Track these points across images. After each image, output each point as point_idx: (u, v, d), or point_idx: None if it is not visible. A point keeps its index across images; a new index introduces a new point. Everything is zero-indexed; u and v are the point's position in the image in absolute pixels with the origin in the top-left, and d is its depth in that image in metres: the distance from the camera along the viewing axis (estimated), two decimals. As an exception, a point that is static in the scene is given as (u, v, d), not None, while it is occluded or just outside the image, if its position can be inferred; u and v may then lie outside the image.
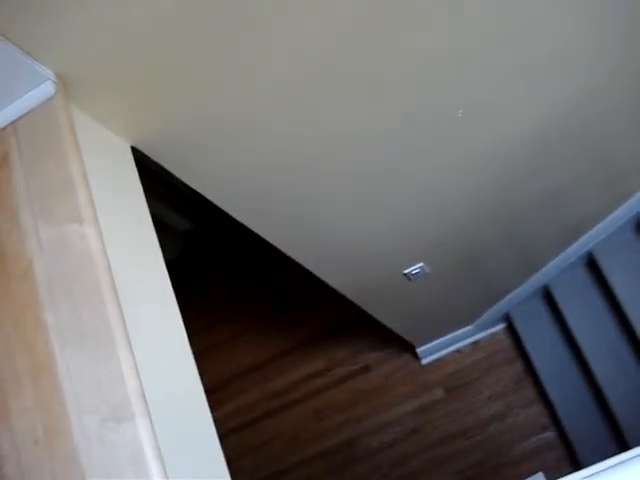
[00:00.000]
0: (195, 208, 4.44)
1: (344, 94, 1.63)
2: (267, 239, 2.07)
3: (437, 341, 3.83)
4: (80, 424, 1.08)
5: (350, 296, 2.73)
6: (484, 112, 1.98)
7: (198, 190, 1.74)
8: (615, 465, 1.02)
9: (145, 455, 1.03)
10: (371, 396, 4.01)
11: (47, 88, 1.27)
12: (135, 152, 1.51)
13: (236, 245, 4.40)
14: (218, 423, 1.29)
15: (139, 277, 1.27)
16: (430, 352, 3.90)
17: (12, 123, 1.30)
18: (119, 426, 1.05)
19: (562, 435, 3.61)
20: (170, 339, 1.29)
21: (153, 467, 1.02)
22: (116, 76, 1.34)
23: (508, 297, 3.52)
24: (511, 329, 3.79)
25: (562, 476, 1.12)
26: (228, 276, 4.48)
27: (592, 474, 0.90)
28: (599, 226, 3.14)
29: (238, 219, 1.92)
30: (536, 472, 3.51)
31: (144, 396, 1.06)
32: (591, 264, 3.34)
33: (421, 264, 2.64)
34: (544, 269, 3.33)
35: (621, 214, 3.10)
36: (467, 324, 3.75)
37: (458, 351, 3.91)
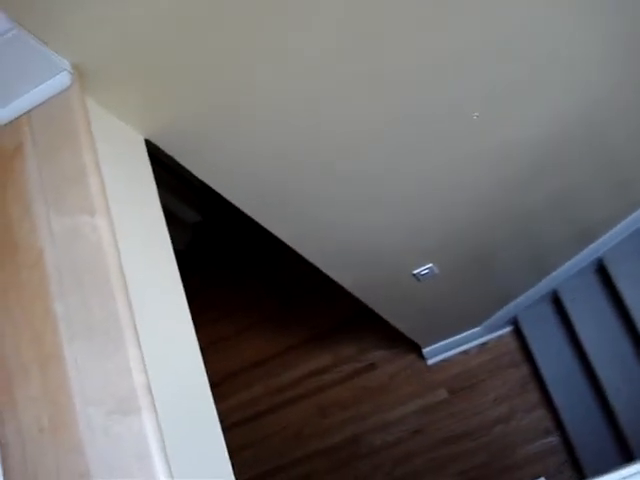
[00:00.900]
0: (205, 201, 4.44)
1: (359, 93, 1.63)
2: (276, 235, 2.07)
3: (443, 342, 3.83)
4: (86, 415, 1.08)
5: (358, 294, 2.73)
6: (498, 113, 1.97)
7: (209, 184, 1.74)
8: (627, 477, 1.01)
9: (150, 449, 1.03)
10: (376, 394, 4.01)
11: (63, 79, 1.27)
12: (147, 143, 1.51)
13: (244, 239, 4.40)
14: (221, 416, 1.30)
15: (149, 271, 1.27)
16: (436, 353, 3.89)
17: (27, 113, 1.30)
18: (125, 419, 1.05)
19: (565, 440, 3.60)
20: (178, 334, 1.29)
21: (157, 461, 1.02)
22: (132, 68, 1.34)
23: (516, 300, 3.51)
24: (518, 332, 3.78)
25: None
26: (235, 270, 4.48)
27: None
28: (610, 233, 3.12)
29: (248, 213, 1.92)
30: (539, 476, 3.52)
31: (151, 390, 1.07)
32: (601, 270, 3.32)
33: (430, 265, 2.63)
34: (554, 273, 3.32)
35: (633, 222, 3.09)
36: (474, 326, 3.75)
37: (464, 352, 3.90)
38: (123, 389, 1.06)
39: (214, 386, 1.32)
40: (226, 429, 1.28)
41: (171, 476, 1.02)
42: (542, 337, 3.64)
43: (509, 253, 2.93)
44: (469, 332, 3.78)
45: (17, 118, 1.30)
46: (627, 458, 3.15)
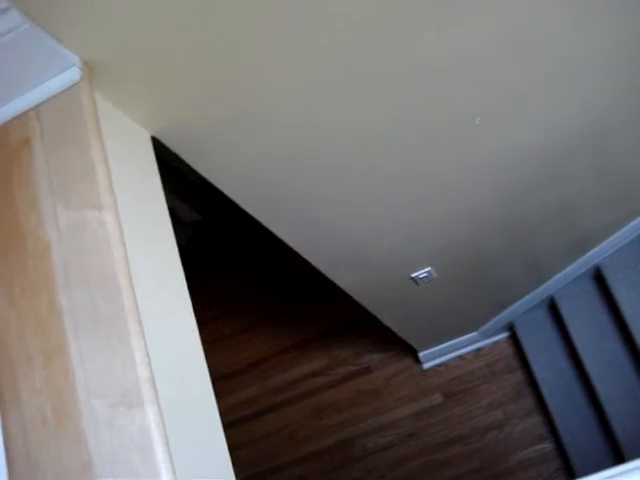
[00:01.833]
0: (205, 200, 4.45)
1: (363, 94, 1.64)
2: (277, 234, 2.08)
3: (439, 346, 3.84)
4: (89, 407, 1.09)
5: (356, 296, 2.74)
6: (501, 120, 1.98)
7: (213, 183, 1.75)
8: (612, 477, 1.02)
9: (152, 441, 1.04)
10: (371, 398, 4.02)
11: (72, 74, 1.28)
12: (153, 140, 1.52)
13: (243, 239, 4.41)
14: (217, 415, 1.31)
15: (154, 266, 1.28)
16: (432, 357, 3.90)
17: (35, 107, 1.31)
18: (128, 412, 1.06)
19: (559, 447, 3.61)
20: (181, 329, 1.30)
21: (160, 454, 1.03)
22: (141, 65, 1.35)
23: (513, 306, 3.52)
24: (514, 338, 3.79)
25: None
26: (234, 270, 4.49)
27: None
28: (608, 241, 3.14)
29: (250, 213, 1.93)
30: (532, 482, 3.53)
31: (154, 384, 1.08)
32: (598, 278, 3.34)
33: (429, 268, 2.64)
34: (551, 280, 3.33)
35: (631, 230, 3.10)
36: (471, 331, 3.76)
37: (460, 357, 3.91)
38: (127, 382, 1.07)
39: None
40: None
41: (173, 469, 1.03)
42: (538, 344, 3.65)
43: (507, 259, 2.94)
44: (465, 337, 3.79)
45: (26, 112, 1.31)
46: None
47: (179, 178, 4.05)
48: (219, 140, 1.62)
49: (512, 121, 2.02)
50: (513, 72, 1.79)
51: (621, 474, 1.02)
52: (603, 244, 3.16)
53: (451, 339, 3.80)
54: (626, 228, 3.09)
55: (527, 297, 3.45)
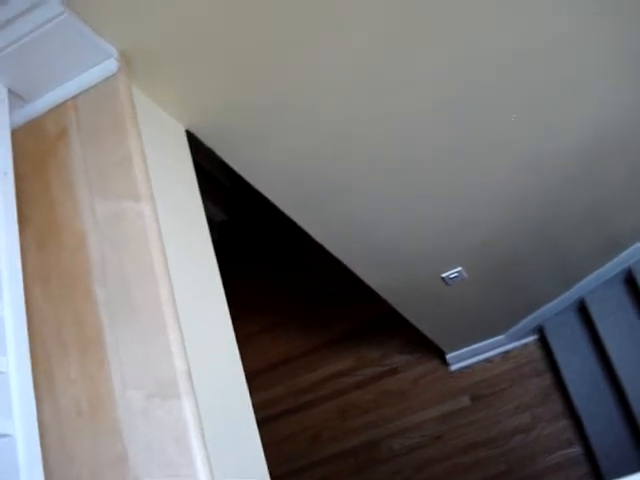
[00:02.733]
0: (232, 200, 4.45)
1: (400, 93, 1.63)
2: (307, 231, 2.07)
3: (467, 348, 3.81)
4: (125, 398, 1.09)
5: (385, 295, 2.72)
6: (537, 119, 1.96)
7: (246, 177, 1.75)
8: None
9: (189, 433, 1.03)
10: (397, 399, 3.99)
11: (110, 65, 1.28)
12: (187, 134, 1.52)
13: (270, 239, 4.41)
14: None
15: (190, 257, 1.27)
16: (459, 359, 3.87)
17: (73, 98, 1.31)
18: (164, 403, 1.05)
19: (588, 451, 3.56)
20: (216, 322, 1.29)
21: (195, 445, 1.03)
22: (178, 58, 1.35)
23: (543, 309, 3.48)
24: (543, 341, 3.75)
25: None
26: (260, 269, 4.49)
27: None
28: (640, 243, 3.10)
29: (283, 210, 1.92)
30: (561, 486, 3.49)
31: (191, 375, 1.07)
32: (629, 281, 3.29)
33: (459, 269, 2.62)
34: (581, 283, 3.29)
35: (665, 232, 3.07)
36: (499, 333, 3.72)
37: (488, 360, 3.88)
38: (164, 373, 1.06)
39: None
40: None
41: (209, 461, 1.02)
42: (567, 347, 3.60)
43: (538, 260, 2.91)
44: (493, 339, 3.76)
45: (63, 102, 1.31)
46: (651, 471, 3.11)
47: (207, 178, 4.05)
48: (255, 136, 1.61)
49: (549, 121, 2.00)
50: (547, 71, 1.78)
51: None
52: (635, 246, 3.11)
53: (479, 341, 3.77)
54: (659, 230, 3.06)
55: (557, 299, 3.42)
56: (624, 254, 3.15)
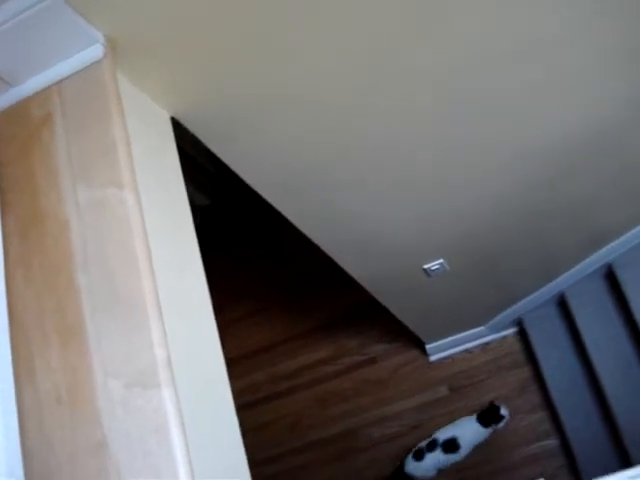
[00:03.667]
0: (216, 185, 4.44)
1: (388, 85, 1.63)
2: (290, 219, 2.07)
3: (447, 339, 3.83)
4: (105, 387, 1.08)
5: (366, 285, 2.73)
6: (522, 111, 1.96)
7: (231, 166, 1.74)
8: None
9: (168, 422, 1.03)
10: (376, 388, 4.01)
11: (95, 51, 1.27)
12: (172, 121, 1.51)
13: (253, 225, 4.40)
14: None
15: (173, 246, 1.27)
16: (439, 350, 3.90)
17: (58, 83, 1.30)
18: (145, 392, 1.05)
19: (564, 444, 3.60)
20: (198, 311, 1.29)
21: (175, 435, 1.03)
22: (163, 45, 1.34)
23: (523, 302, 3.51)
24: (522, 334, 3.78)
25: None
26: (242, 255, 4.49)
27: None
28: (622, 239, 3.12)
29: (265, 197, 1.91)
30: (537, 478, 3.52)
31: (171, 365, 1.07)
32: (610, 276, 3.32)
33: (441, 260, 2.63)
34: (562, 277, 3.31)
35: (645, 228, 3.09)
36: (479, 325, 3.75)
37: (467, 351, 3.90)
38: (144, 363, 1.06)
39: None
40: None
41: (187, 450, 1.02)
42: (546, 340, 3.63)
43: (519, 254, 2.93)
44: (473, 331, 3.78)
45: (47, 88, 1.30)
46: (625, 465, 3.15)
47: (190, 163, 4.04)
48: (240, 123, 1.61)
49: (533, 115, 2.00)
50: (541, 65, 1.78)
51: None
52: (616, 242, 3.14)
53: (459, 332, 3.80)
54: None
55: (537, 293, 3.44)
56: (605, 249, 3.17)
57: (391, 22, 1.44)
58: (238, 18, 1.31)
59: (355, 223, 2.22)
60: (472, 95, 1.79)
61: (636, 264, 3.16)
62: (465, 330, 3.78)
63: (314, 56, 1.47)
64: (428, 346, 3.88)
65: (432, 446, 3.54)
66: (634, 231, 3.06)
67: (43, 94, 1.30)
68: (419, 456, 3.57)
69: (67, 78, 1.29)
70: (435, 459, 3.53)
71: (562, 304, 3.53)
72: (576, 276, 3.32)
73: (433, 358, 3.94)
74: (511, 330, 3.84)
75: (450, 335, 3.81)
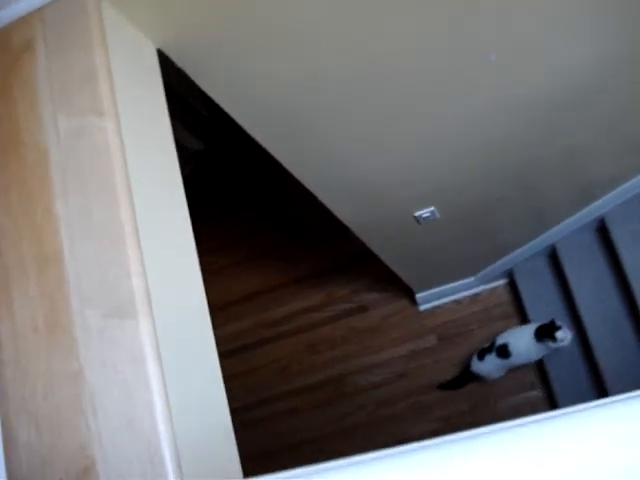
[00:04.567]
0: (209, 130, 4.40)
1: (381, 23, 1.59)
2: (282, 163, 2.04)
3: (437, 289, 3.84)
4: (82, 317, 1.08)
5: (357, 232, 2.72)
6: (515, 60, 1.93)
7: (218, 102, 1.70)
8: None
9: (144, 353, 1.03)
10: (365, 336, 4.04)
11: (79, -25, 1.23)
12: (160, 55, 1.48)
13: (247, 170, 4.37)
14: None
15: (154, 177, 1.25)
16: (429, 299, 3.91)
17: (40, 9, 1.27)
18: (122, 322, 1.05)
19: (549, 395, 3.64)
20: (179, 244, 1.28)
21: (151, 366, 1.03)
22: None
23: (514, 253, 3.51)
24: (512, 285, 3.79)
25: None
26: (236, 202, 4.47)
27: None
28: (614, 193, 3.10)
29: (256, 138, 1.89)
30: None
31: (149, 295, 1.06)
32: (601, 230, 3.31)
33: (432, 208, 2.62)
34: (553, 229, 3.31)
35: (638, 183, 3.07)
36: (469, 276, 3.76)
37: (456, 301, 3.92)
38: (122, 292, 1.06)
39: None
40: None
41: (164, 380, 1.02)
42: (536, 292, 3.65)
43: (511, 204, 2.92)
44: (463, 281, 3.79)
45: (29, 14, 1.27)
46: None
47: (183, 105, 3.99)
48: (227, 56, 1.57)
49: (527, 64, 1.97)
50: (529, 11, 1.74)
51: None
52: (609, 195, 3.12)
53: (449, 282, 3.80)
54: (633, 181, 3.06)
55: (528, 244, 3.44)
56: (598, 203, 3.16)
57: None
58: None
59: (347, 167, 2.20)
60: (461, 45, 1.76)
61: (628, 218, 3.15)
62: (455, 280, 3.79)
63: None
64: (418, 295, 3.89)
65: (490, 349, 3.55)
66: (627, 185, 3.04)
67: (25, 21, 1.27)
68: (481, 356, 3.61)
69: (50, 4, 1.26)
70: (492, 361, 3.55)
71: (553, 256, 3.53)
72: (568, 229, 3.31)
73: (423, 308, 3.96)
74: (501, 282, 3.85)
75: (440, 285, 3.82)
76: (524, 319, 3.70)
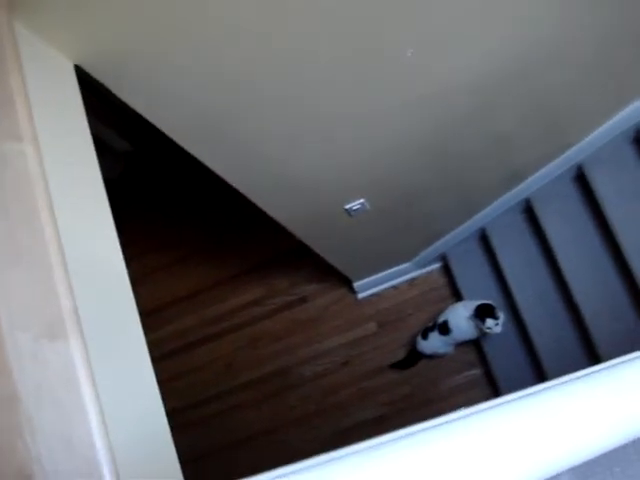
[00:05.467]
0: (136, 130, 4.37)
1: (301, 17, 1.61)
2: (210, 167, 2.06)
3: (374, 277, 3.90)
4: (13, 340, 1.08)
5: (291, 228, 2.74)
6: (433, 52, 1.97)
7: (140, 112, 1.72)
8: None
9: (77, 374, 1.04)
10: (306, 327, 4.08)
11: (-12, -2, 1.23)
12: (78, 69, 1.48)
13: (177, 170, 4.35)
14: (151, 348, 1.31)
15: (77, 198, 1.26)
16: (367, 287, 3.97)
17: (-51, 32, 1.26)
18: (52, 344, 1.06)
19: (488, 373, 3.74)
20: (106, 260, 1.29)
21: (85, 386, 1.04)
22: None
23: (446, 238, 3.58)
24: (447, 269, 3.87)
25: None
26: (167, 202, 4.45)
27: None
28: (538, 174, 3.19)
29: (180, 144, 1.90)
30: (461, 407, 3.65)
31: (78, 315, 1.07)
32: (528, 210, 3.41)
33: (362, 200, 2.66)
34: (482, 212, 3.39)
35: (560, 163, 3.16)
36: (405, 262, 3.82)
37: (394, 287, 3.99)
38: (50, 314, 1.06)
39: (144, 316, 1.32)
40: (156, 360, 1.30)
41: (98, 400, 1.04)
42: (469, 274, 3.74)
43: (439, 192, 2.98)
44: (399, 267, 3.86)
45: (-61, 38, 1.26)
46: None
47: (109, 107, 3.95)
48: (145, 68, 1.58)
49: (446, 53, 2.01)
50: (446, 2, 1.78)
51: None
52: (533, 177, 3.21)
53: (385, 269, 3.87)
54: (556, 161, 3.14)
55: (459, 229, 3.52)
56: (523, 185, 3.24)
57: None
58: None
59: (274, 164, 2.22)
60: (386, 32, 1.79)
61: (552, 198, 3.25)
62: (391, 267, 3.85)
63: None
64: (356, 284, 3.94)
65: (433, 327, 3.66)
66: (550, 165, 3.13)
67: None
68: (425, 335, 3.73)
69: (-40, 27, 1.25)
70: (436, 339, 3.66)
71: (483, 239, 3.63)
72: (496, 211, 3.40)
73: (361, 296, 4.02)
74: (436, 265, 3.93)
75: (377, 272, 3.88)
76: (459, 301, 3.78)
